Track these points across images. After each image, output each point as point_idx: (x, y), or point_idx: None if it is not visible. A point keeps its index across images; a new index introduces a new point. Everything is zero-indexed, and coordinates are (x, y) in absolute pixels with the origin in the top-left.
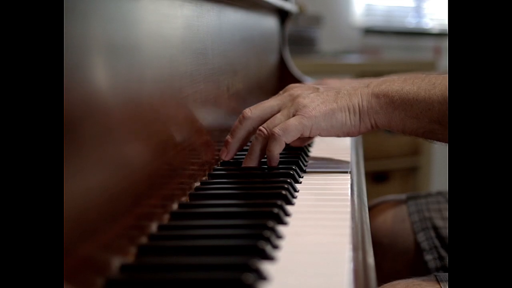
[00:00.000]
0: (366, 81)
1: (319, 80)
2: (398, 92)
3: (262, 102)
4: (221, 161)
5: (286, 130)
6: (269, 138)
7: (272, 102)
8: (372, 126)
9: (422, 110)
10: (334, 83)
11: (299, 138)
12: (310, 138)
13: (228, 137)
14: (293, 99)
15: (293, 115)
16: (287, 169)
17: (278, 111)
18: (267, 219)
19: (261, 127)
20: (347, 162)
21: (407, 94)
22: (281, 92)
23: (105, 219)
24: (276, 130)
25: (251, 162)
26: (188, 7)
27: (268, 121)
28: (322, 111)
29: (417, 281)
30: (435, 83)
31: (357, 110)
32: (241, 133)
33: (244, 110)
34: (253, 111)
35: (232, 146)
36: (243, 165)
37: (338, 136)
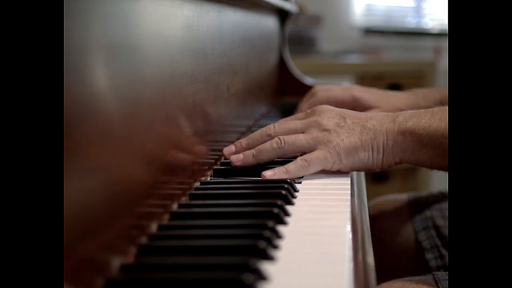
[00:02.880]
0: (380, 92)
1: (324, 86)
2: (426, 130)
3: (287, 121)
4: (221, 161)
5: (310, 163)
6: (293, 162)
7: (297, 125)
8: (395, 163)
9: None
10: (335, 90)
11: None
12: None
13: (243, 141)
14: (320, 129)
15: (316, 147)
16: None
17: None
18: (267, 219)
19: (281, 137)
20: None
21: (435, 131)
22: (308, 111)
23: (105, 219)
24: (302, 161)
25: (252, 161)
26: (188, 7)
27: (290, 137)
28: (346, 148)
29: (414, 280)
30: None
31: (381, 149)
32: (257, 145)
33: (269, 126)
34: (277, 130)
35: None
36: (244, 159)
37: (359, 171)
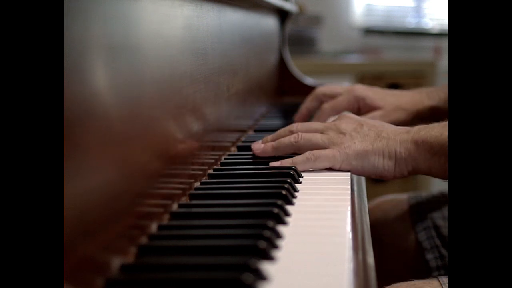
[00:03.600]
0: (383, 90)
1: (326, 86)
2: (437, 138)
3: (312, 122)
4: (221, 161)
5: (318, 158)
6: (301, 154)
7: (318, 126)
8: (408, 172)
9: None
10: (337, 89)
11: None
12: None
13: (269, 136)
14: (337, 131)
15: (329, 147)
16: (287, 169)
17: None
18: (267, 219)
19: (300, 134)
20: None
21: (446, 140)
22: (337, 117)
23: (105, 219)
24: (310, 155)
25: (270, 151)
26: (188, 7)
27: (307, 134)
28: (356, 150)
29: (419, 284)
30: None
31: (393, 156)
32: (282, 143)
33: (293, 124)
34: (299, 128)
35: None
36: (263, 148)
37: (370, 177)
